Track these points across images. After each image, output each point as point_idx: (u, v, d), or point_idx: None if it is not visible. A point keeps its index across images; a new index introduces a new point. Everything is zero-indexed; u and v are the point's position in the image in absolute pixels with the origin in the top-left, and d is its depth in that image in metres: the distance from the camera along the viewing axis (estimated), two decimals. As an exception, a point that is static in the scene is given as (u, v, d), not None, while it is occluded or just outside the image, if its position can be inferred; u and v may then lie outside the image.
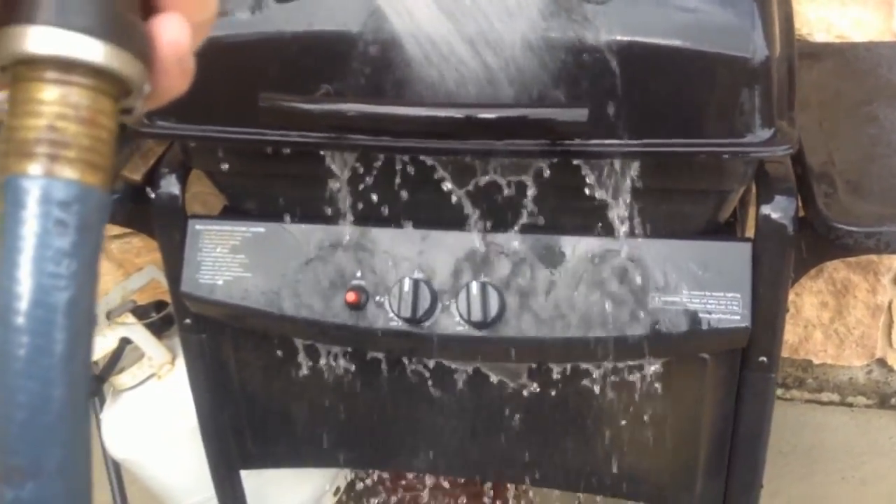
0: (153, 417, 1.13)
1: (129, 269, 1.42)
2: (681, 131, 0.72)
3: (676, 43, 0.70)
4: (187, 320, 0.95)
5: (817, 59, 1.01)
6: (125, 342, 1.11)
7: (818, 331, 1.44)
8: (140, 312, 1.13)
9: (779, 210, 0.78)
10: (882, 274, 1.35)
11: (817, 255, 0.82)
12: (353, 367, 0.94)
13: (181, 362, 1.05)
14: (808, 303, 1.41)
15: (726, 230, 0.86)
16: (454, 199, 0.80)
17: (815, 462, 1.46)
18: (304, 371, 0.95)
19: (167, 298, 1.04)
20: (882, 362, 1.47)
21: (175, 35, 0.33)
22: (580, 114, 0.68)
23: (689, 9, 0.70)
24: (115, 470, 1.29)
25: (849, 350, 1.45)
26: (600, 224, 0.80)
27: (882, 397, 1.52)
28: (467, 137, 0.71)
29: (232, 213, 0.92)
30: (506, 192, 0.79)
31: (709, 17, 0.70)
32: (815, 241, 0.78)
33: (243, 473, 1.09)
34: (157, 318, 1.11)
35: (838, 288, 1.39)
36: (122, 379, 1.13)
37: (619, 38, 0.69)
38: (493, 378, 0.89)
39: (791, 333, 1.43)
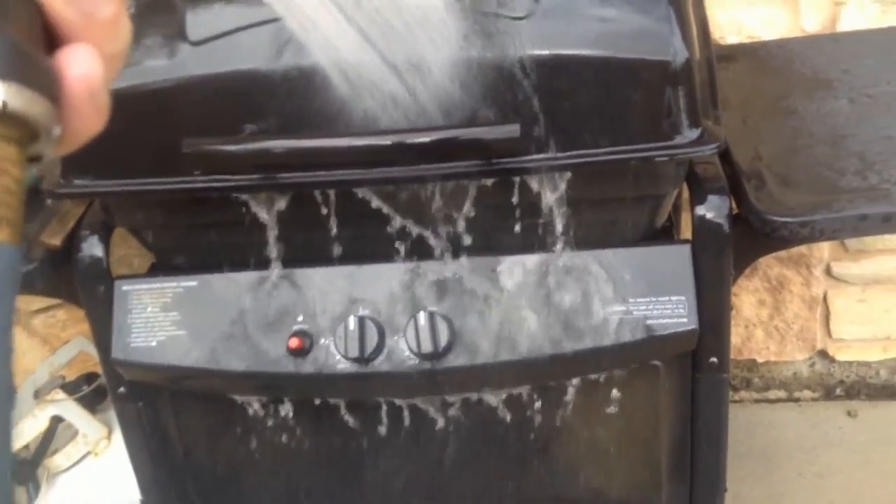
0: (93, 498, 1.06)
1: (54, 344, 1.35)
2: (611, 139, 0.72)
3: (598, 52, 0.71)
4: (121, 389, 0.90)
5: (732, 60, 1.03)
6: (57, 421, 1.05)
7: (759, 329, 1.46)
8: (70, 388, 1.07)
9: (713, 209, 0.79)
10: (814, 266, 1.39)
11: (755, 251, 0.83)
12: (301, 422, 0.90)
13: (118, 436, 1.00)
14: (746, 302, 1.43)
15: (664, 235, 0.86)
16: (389, 230, 0.78)
17: (771, 461, 1.47)
18: (251, 431, 0.90)
19: (98, 370, 0.99)
20: (824, 353, 1.50)
21: (85, 69, 0.30)
22: (512, 130, 0.67)
23: (608, 18, 0.71)
24: (57, 559, 1.21)
25: (790, 345, 1.48)
26: (539, 240, 0.79)
27: (827, 389, 1.55)
28: (400, 164, 0.70)
29: (160, 270, 0.88)
30: (442, 217, 0.77)
31: (627, 25, 0.71)
32: (752, 237, 0.79)
33: (196, 546, 1.03)
34: (89, 391, 1.05)
35: (774, 284, 1.41)
36: (57, 461, 1.06)
37: (541, 52, 0.69)
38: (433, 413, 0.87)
39: (733, 334, 1.45)
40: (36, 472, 1.11)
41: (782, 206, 0.76)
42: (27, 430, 1.04)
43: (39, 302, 1.44)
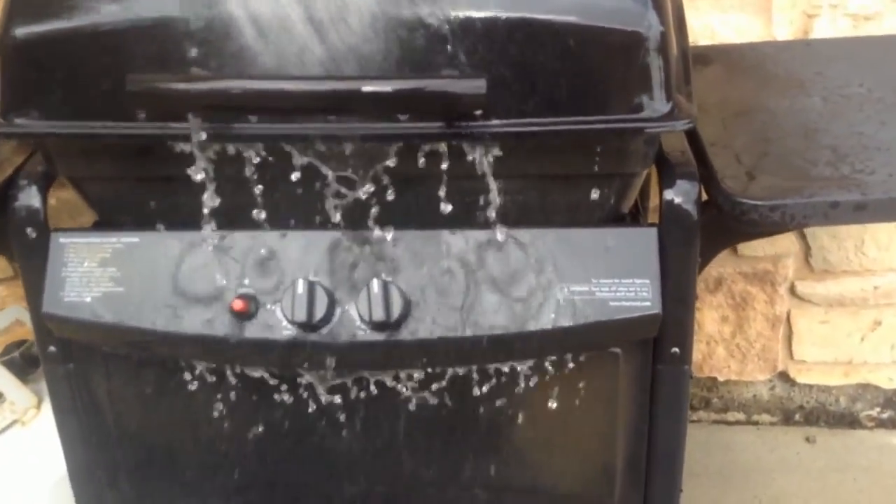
0: (17, 469, 1.00)
1: (-9, 315, 1.29)
2: (580, 108, 0.70)
3: (570, 18, 0.69)
4: (51, 348, 0.85)
5: (706, 61, 1.02)
6: (-17, 387, 0.99)
7: (720, 346, 1.44)
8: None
9: (682, 194, 0.77)
10: (779, 284, 1.37)
11: (724, 238, 0.81)
12: (240, 393, 0.85)
13: (48, 406, 0.94)
14: (708, 318, 1.41)
15: (630, 220, 0.84)
16: (342, 192, 0.74)
17: (727, 482, 1.45)
18: (187, 400, 0.86)
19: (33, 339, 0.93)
20: (784, 376, 1.48)
21: None
22: (477, 85, 0.65)
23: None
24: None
25: (751, 364, 1.46)
26: (500, 214, 0.76)
27: (786, 413, 1.53)
28: (355, 114, 0.67)
29: (102, 225, 0.83)
30: (397, 183, 0.74)
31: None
32: (721, 224, 0.77)
33: (122, 526, 0.98)
34: (19, 356, 1.00)
35: (737, 301, 1.39)
36: (-20, 429, 1.01)
37: (511, 14, 0.67)
38: (390, 385, 0.82)
39: (694, 350, 1.43)
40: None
41: (753, 190, 0.74)
42: (-49, 394, 0.98)
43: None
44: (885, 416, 1.51)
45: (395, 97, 0.65)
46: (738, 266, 1.36)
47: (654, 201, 0.91)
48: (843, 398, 1.50)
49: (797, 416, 1.53)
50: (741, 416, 1.54)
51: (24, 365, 1.01)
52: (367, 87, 0.64)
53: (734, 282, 1.37)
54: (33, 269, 0.81)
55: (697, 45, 1.18)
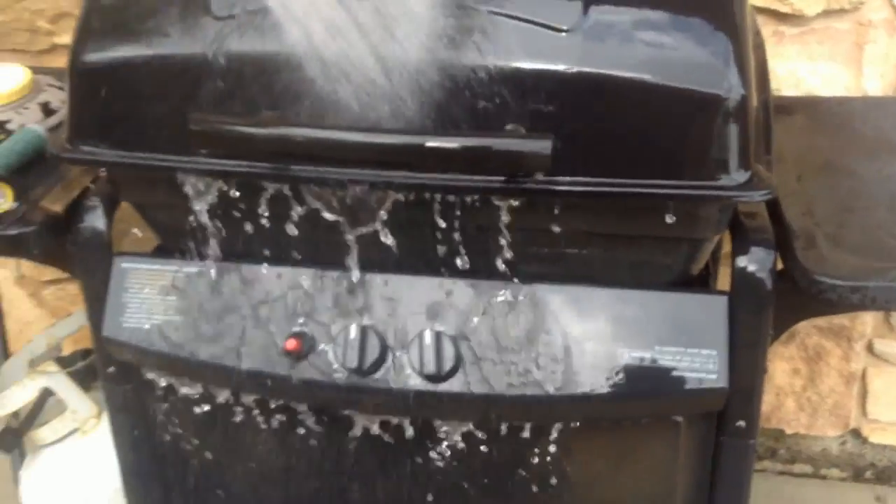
0: (76, 477, 1.03)
1: (61, 317, 1.33)
2: (652, 171, 0.67)
3: (647, 77, 0.65)
4: (111, 369, 0.86)
5: (788, 112, 0.97)
6: (47, 393, 1.02)
7: (790, 399, 1.38)
8: (65, 361, 1.04)
9: (755, 262, 0.73)
10: (855, 340, 1.30)
11: (797, 313, 0.76)
12: (291, 425, 0.85)
13: (108, 417, 0.96)
14: (779, 369, 1.35)
15: (700, 284, 0.80)
16: (410, 239, 0.73)
17: (790, 538, 1.39)
18: (238, 429, 0.86)
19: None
20: (856, 433, 1.41)
21: None
22: (543, 146, 0.62)
23: (661, 44, 0.66)
24: (32, 535, 1.18)
25: (822, 419, 1.39)
26: (565, 272, 0.74)
27: (856, 470, 1.45)
28: (417, 168, 0.65)
29: (164, 252, 0.84)
30: (463, 235, 0.72)
31: (682, 53, 0.65)
32: (795, 297, 0.73)
33: (170, 541, 0.99)
34: (83, 366, 1.02)
35: (810, 354, 1.33)
36: (43, 433, 1.03)
37: (585, 69, 0.64)
38: (442, 437, 0.81)
39: (763, 401, 1.37)
40: (22, 442, 1.08)
41: (832, 267, 0.69)
42: (16, 398, 1.00)
43: (51, 273, 1.43)
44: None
45: (459, 154, 0.63)
46: (812, 319, 1.30)
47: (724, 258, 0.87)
48: (919, 460, 1.43)
49: (868, 474, 1.46)
50: (808, 469, 1.48)
51: (86, 374, 1.03)
52: (431, 143, 0.63)
53: (808, 335, 1.31)
54: (95, 291, 0.82)
55: (781, 94, 1.13)
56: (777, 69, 1.14)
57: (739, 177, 0.66)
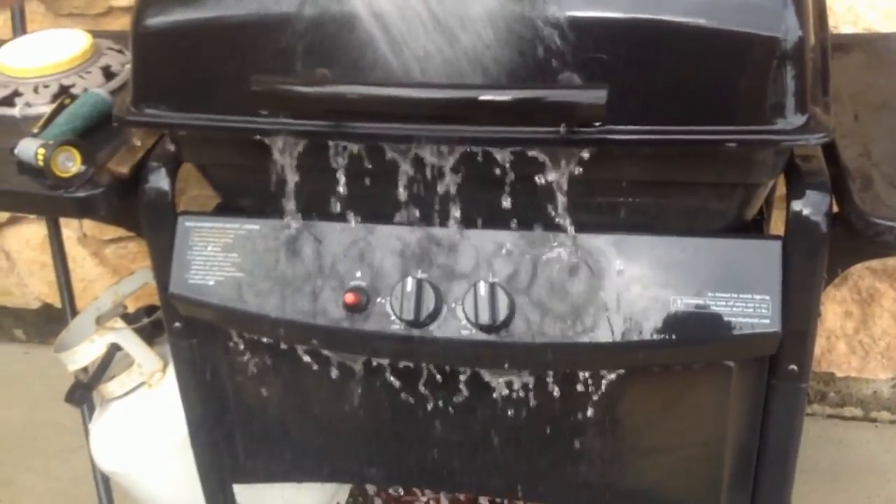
0: (143, 428, 1.07)
1: (123, 275, 1.37)
2: (706, 118, 0.67)
3: (702, 21, 0.65)
4: (177, 324, 0.90)
5: (846, 50, 0.95)
6: (115, 348, 1.05)
7: (842, 342, 1.38)
8: (131, 318, 1.07)
9: (811, 206, 0.72)
10: (910, 282, 1.29)
11: (852, 255, 0.76)
12: (351, 377, 0.88)
13: (173, 370, 0.99)
14: (831, 312, 1.35)
15: (753, 229, 0.80)
16: (459, 195, 0.74)
17: (839, 480, 1.40)
18: (300, 380, 0.89)
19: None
20: (909, 375, 1.41)
21: None
22: (598, 96, 0.62)
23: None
24: (105, 483, 1.23)
25: (874, 362, 1.39)
26: (616, 220, 0.74)
27: (908, 412, 1.45)
28: (471, 122, 0.66)
29: (225, 210, 0.86)
30: (517, 187, 0.73)
31: (736, -5, 0.64)
32: (851, 240, 0.72)
33: (236, 487, 1.03)
34: (148, 323, 1.05)
35: (864, 297, 1.32)
36: (111, 387, 1.07)
37: (639, 15, 0.64)
38: (496, 386, 0.83)
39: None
40: (91, 396, 1.12)
41: (890, 209, 0.69)
42: (85, 354, 1.04)
43: (112, 232, 1.47)
44: None
45: (513, 106, 0.64)
46: (866, 262, 1.28)
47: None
48: (973, 402, 1.42)
49: (920, 417, 1.46)
50: (858, 412, 1.48)
51: (151, 329, 1.07)
52: (485, 97, 0.63)
53: (861, 277, 1.30)
54: (161, 249, 0.85)
55: (839, 31, 1.10)
56: (834, 6, 1.11)
57: (796, 120, 0.66)
